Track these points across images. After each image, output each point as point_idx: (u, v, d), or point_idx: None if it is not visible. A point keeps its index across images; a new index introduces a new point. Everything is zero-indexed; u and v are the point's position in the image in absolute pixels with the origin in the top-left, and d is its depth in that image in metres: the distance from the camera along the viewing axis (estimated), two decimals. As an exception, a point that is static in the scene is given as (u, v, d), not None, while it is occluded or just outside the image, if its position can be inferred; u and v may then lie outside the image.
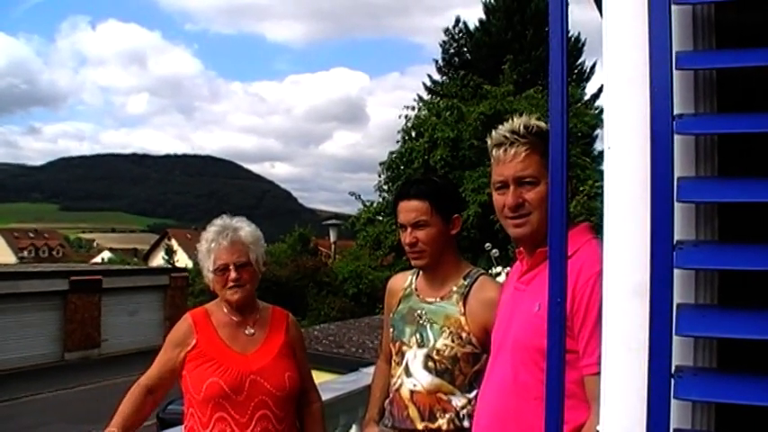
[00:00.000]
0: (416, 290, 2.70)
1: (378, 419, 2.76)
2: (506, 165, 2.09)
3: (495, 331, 2.26)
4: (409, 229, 2.59)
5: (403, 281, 2.80)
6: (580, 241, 2.00)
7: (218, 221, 2.82)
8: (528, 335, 1.99)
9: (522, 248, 2.20)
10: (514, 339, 2.06)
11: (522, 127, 2.10)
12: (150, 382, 2.70)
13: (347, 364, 11.17)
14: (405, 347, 2.62)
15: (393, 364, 2.70)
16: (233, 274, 2.69)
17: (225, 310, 2.77)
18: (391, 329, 2.73)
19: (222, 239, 2.73)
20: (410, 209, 2.60)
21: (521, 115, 2.22)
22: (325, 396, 3.19)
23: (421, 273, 2.73)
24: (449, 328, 2.51)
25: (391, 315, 2.76)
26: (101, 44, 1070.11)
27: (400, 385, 2.59)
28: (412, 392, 2.54)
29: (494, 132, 2.19)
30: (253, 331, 2.77)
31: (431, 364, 2.52)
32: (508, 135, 2.10)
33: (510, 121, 2.17)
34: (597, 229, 1.98)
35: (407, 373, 2.57)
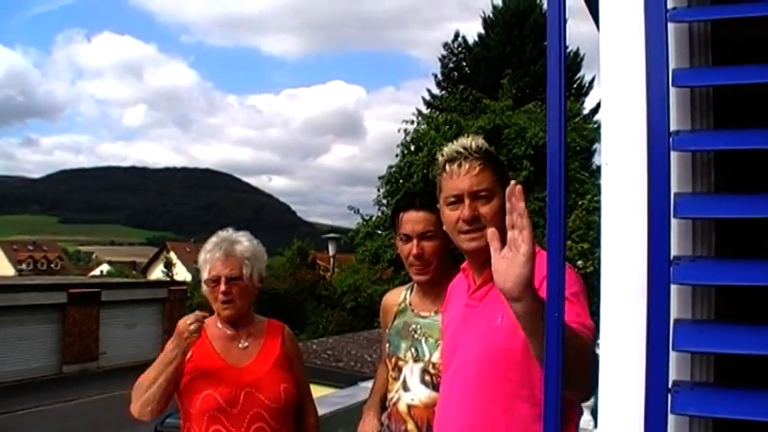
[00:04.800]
0: (411, 305, 2.71)
1: (379, 408, 2.75)
2: (461, 178, 2.11)
3: (449, 349, 2.22)
4: (416, 241, 2.59)
5: (397, 296, 2.81)
6: None
7: (221, 233, 2.83)
8: (493, 347, 1.98)
9: (469, 265, 2.20)
10: (479, 354, 2.04)
11: (473, 144, 2.14)
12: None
13: (345, 378, 11.15)
14: (401, 362, 2.62)
15: (390, 379, 2.69)
16: (222, 287, 2.68)
17: (219, 324, 2.77)
18: (387, 345, 2.73)
19: (217, 251, 2.73)
20: (418, 220, 2.60)
21: (477, 133, 2.26)
22: (323, 410, 3.18)
23: (415, 288, 2.73)
24: None
25: (387, 331, 2.76)
26: (97, 56, 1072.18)
27: (398, 400, 2.59)
28: (409, 407, 2.54)
29: (445, 148, 2.23)
30: (246, 344, 2.76)
31: (428, 378, 2.52)
32: (462, 150, 2.14)
33: (460, 138, 2.22)
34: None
35: (405, 387, 2.57)
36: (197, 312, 2.61)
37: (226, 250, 2.73)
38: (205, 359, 2.67)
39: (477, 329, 2.08)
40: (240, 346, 2.75)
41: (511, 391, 1.93)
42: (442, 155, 2.21)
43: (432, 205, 2.57)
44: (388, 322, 2.77)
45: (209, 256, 2.74)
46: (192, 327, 2.54)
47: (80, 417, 19.78)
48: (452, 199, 2.14)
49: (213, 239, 2.79)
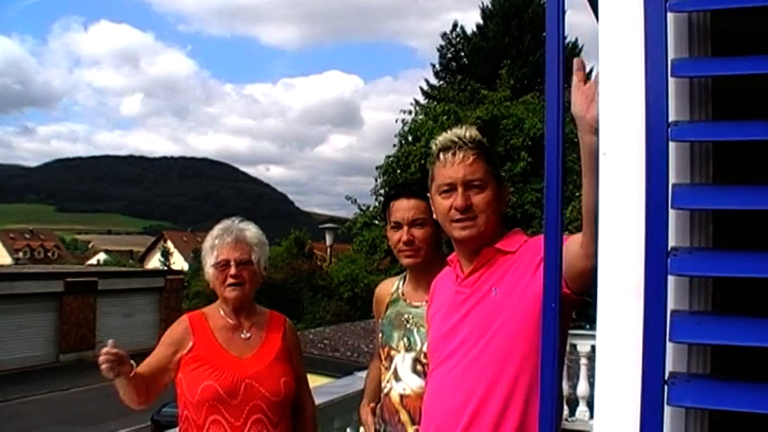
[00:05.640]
0: (403, 294, 2.71)
1: (374, 404, 2.76)
2: (455, 167, 2.12)
3: (438, 336, 2.19)
4: (406, 228, 2.60)
5: (389, 286, 2.81)
6: (521, 240, 2.12)
7: (227, 221, 2.86)
8: (490, 317, 2.00)
9: (458, 254, 2.21)
10: (474, 327, 2.05)
11: (467, 134, 2.15)
12: (142, 372, 2.61)
13: (342, 367, 11.17)
14: (393, 352, 2.62)
15: (382, 369, 2.70)
16: (233, 270, 2.70)
17: (222, 312, 2.77)
18: (380, 335, 2.74)
19: (227, 236, 2.76)
20: (408, 207, 2.61)
21: (474, 124, 2.28)
22: (319, 400, 3.18)
23: (408, 277, 2.74)
24: None
25: (380, 321, 2.77)
26: (94, 45, 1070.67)
27: (390, 390, 2.59)
28: (401, 396, 2.54)
29: (439, 137, 2.22)
30: (249, 335, 2.76)
31: (419, 367, 2.52)
32: (456, 139, 2.14)
33: (454, 128, 2.23)
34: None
35: (396, 377, 2.57)
36: (110, 346, 2.42)
37: (236, 235, 2.77)
38: (207, 349, 2.67)
39: (470, 309, 2.09)
40: (242, 336, 2.76)
41: (510, 356, 1.94)
42: (436, 144, 2.21)
43: (422, 193, 2.57)
44: (381, 312, 2.78)
45: (218, 241, 2.76)
46: (103, 367, 2.39)
47: (77, 405, 19.80)
48: (445, 187, 2.14)
49: (221, 226, 2.82)
